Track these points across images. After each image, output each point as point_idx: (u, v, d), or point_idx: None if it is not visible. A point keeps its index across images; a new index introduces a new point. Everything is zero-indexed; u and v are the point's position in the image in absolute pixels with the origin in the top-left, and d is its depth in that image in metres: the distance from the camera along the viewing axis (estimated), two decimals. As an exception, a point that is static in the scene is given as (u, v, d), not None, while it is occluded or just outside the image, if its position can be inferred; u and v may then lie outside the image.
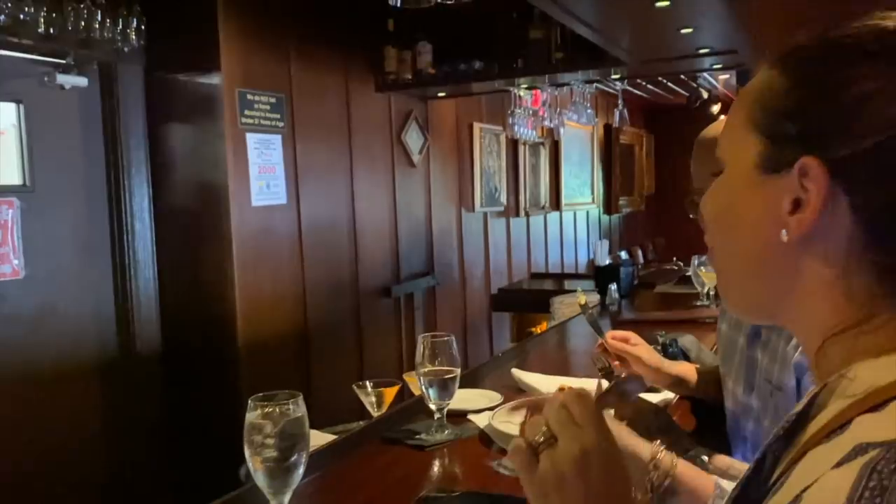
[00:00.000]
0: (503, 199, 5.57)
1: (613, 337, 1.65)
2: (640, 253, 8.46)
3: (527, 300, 4.28)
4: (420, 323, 4.41)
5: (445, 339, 1.59)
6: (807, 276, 0.60)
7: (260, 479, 1.12)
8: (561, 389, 1.60)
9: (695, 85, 7.07)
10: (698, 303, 3.25)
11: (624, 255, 7.56)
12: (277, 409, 1.11)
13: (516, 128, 4.23)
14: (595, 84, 4.29)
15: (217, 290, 3.15)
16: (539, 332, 3.92)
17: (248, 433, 1.11)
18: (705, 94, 7.47)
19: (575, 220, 7.24)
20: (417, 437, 1.58)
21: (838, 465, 0.50)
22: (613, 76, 4.07)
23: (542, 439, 0.68)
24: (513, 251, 5.80)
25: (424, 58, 3.93)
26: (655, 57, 3.84)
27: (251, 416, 1.11)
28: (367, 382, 1.91)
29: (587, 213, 7.56)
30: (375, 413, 1.90)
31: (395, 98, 4.24)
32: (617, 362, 1.66)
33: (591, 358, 1.74)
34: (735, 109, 0.65)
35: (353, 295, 3.94)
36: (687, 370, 1.72)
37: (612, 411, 1.46)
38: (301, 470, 1.12)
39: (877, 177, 0.55)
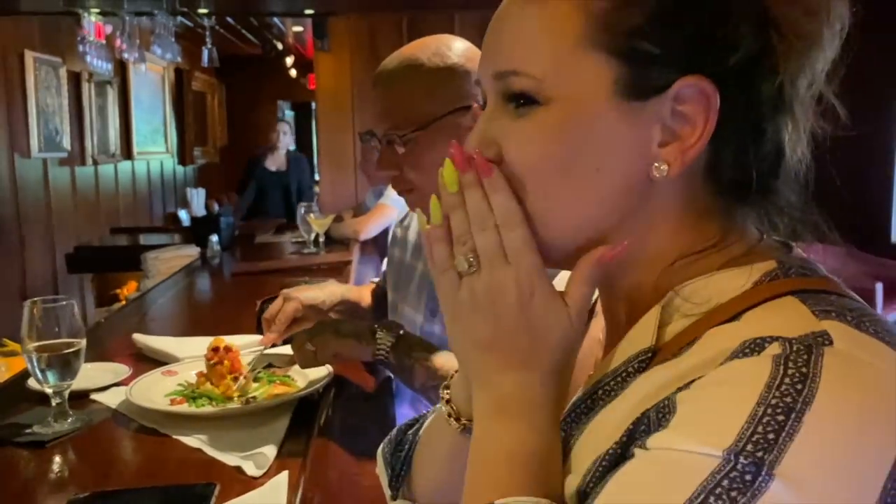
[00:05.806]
0: (66, 143, 4.80)
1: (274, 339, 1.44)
2: (216, 206, 8.19)
3: (113, 259, 3.75)
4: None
5: (64, 303, 1.26)
6: (660, 206, 0.54)
7: None
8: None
9: (269, 36, 6.99)
10: (306, 250, 3.22)
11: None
12: None
13: (89, 58, 3.63)
14: (180, 18, 3.90)
15: None
16: (128, 293, 3.49)
17: None
18: (280, 46, 7.46)
19: (149, 170, 6.65)
20: (28, 431, 1.24)
21: (731, 359, 0.45)
22: (202, 10, 3.75)
23: (466, 267, 0.54)
24: (80, 204, 5.07)
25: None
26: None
27: None
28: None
29: (161, 162, 7.02)
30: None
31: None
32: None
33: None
34: (547, 31, 0.51)
35: None
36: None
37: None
38: None
39: (744, 86, 0.50)
